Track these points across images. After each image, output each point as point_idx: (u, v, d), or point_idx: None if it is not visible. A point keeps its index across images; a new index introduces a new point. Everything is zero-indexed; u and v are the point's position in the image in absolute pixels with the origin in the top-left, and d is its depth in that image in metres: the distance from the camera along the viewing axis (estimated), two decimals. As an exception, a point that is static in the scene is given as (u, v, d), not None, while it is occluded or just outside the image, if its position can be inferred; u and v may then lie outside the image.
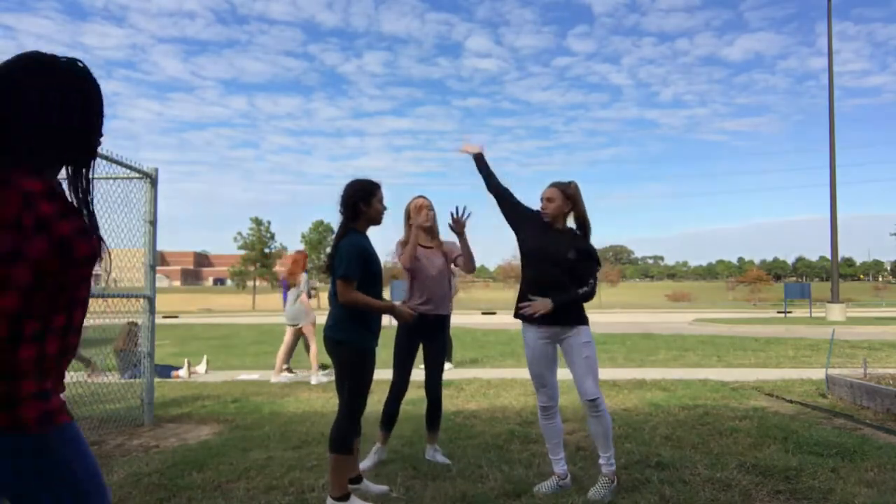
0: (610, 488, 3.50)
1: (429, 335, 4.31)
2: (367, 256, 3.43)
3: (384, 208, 3.59)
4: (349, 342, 3.38)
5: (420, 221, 4.21)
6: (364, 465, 4.05)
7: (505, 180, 3.99)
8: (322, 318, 4.33)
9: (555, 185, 3.78)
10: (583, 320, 3.66)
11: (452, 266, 4.48)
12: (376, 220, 3.58)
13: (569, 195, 3.74)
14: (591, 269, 3.70)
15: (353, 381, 3.37)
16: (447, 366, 9.48)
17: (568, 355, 3.67)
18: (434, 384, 4.35)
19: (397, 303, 3.90)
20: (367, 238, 3.56)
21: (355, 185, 3.51)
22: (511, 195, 3.93)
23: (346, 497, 3.32)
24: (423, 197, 4.36)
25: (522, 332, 3.80)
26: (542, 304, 3.55)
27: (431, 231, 4.35)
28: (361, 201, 3.50)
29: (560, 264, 3.64)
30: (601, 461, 3.60)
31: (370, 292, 3.42)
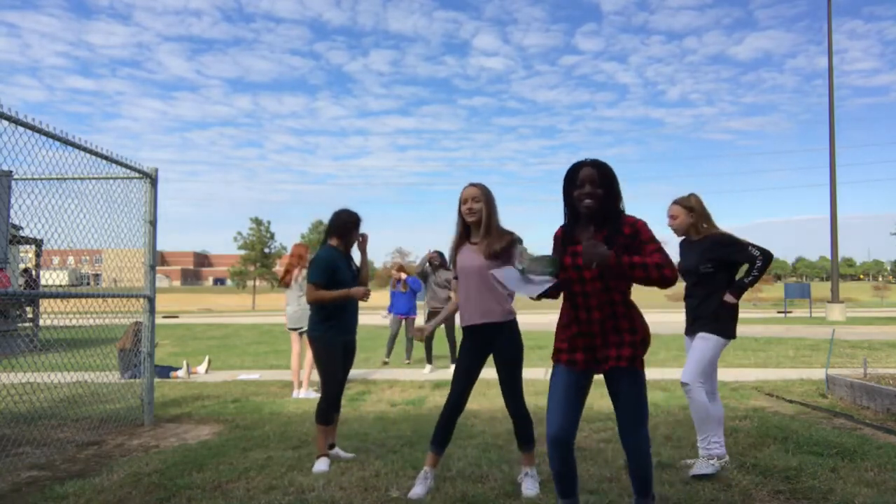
0: (707, 466, 3.83)
1: (489, 348, 3.67)
2: (335, 267, 4.21)
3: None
4: (318, 338, 4.25)
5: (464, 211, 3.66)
6: (415, 492, 3.54)
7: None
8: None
9: (676, 202, 4.11)
10: None
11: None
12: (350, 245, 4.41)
13: (690, 207, 4.07)
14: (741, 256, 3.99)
15: (322, 369, 4.26)
16: (447, 367, 9.47)
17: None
18: (511, 401, 3.67)
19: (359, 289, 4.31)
20: (337, 252, 4.31)
21: (342, 216, 4.37)
22: None
23: (323, 456, 4.16)
24: (473, 185, 3.67)
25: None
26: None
27: (476, 227, 3.66)
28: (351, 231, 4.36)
29: (690, 275, 4.06)
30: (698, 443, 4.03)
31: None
